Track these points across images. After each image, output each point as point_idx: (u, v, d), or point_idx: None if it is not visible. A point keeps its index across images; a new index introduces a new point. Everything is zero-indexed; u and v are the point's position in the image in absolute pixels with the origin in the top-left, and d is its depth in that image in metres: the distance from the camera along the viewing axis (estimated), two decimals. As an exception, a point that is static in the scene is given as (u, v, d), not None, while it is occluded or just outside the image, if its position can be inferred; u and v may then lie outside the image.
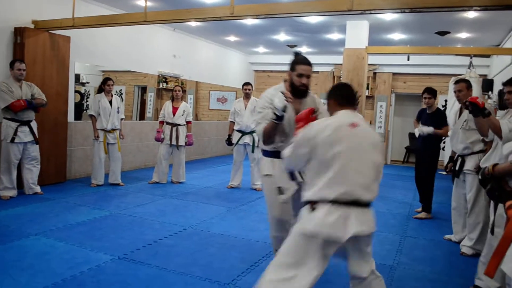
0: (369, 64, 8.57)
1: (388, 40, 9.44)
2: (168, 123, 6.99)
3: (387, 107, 11.74)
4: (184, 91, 13.07)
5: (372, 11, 4.63)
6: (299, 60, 3.26)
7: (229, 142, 7.03)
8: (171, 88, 10.71)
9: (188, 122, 7.13)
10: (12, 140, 5.42)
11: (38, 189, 5.84)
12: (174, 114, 6.98)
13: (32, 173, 5.76)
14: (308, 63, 3.21)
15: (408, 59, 8.83)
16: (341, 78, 11.77)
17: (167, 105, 7.08)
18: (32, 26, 6.18)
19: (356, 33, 7.98)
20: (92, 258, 3.62)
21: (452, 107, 8.87)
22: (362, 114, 7.40)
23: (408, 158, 12.08)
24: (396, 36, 8.96)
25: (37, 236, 4.13)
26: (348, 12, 4.46)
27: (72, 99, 7.00)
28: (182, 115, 7.05)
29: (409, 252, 4.30)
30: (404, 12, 4.43)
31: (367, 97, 11.12)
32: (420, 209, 5.92)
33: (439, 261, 4.11)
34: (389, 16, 7.35)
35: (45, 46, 6.22)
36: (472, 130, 4.17)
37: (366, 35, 7.99)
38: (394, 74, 11.68)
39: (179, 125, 7.00)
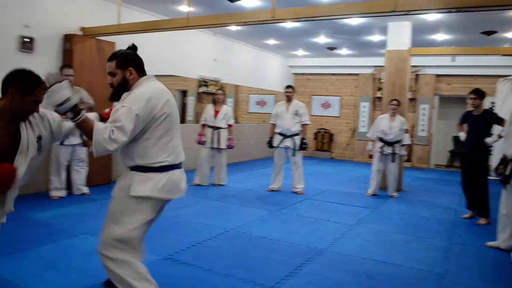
0: (411, 66, 8.38)
1: (431, 41, 9.21)
2: (209, 126, 7.08)
3: (430, 110, 11.44)
4: (224, 95, 13.26)
5: (417, 12, 4.54)
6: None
7: (270, 144, 7.03)
8: (211, 92, 10.84)
9: (229, 125, 7.19)
10: (62, 143, 5.63)
11: (86, 189, 6.04)
12: (215, 117, 7.06)
13: (80, 175, 5.97)
14: (110, 59, 2.62)
15: (454, 60, 8.57)
16: (382, 81, 11.60)
17: (209, 109, 7.17)
18: (80, 33, 6.41)
19: (398, 34, 7.83)
20: (138, 258, 3.70)
21: (502, 107, 8.58)
22: (405, 117, 7.24)
23: (453, 162, 11.71)
24: (440, 36, 8.73)
25: (85, 235, 4.27)
26: (391, 13, 4.37)
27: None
28: (224, 118, 7.11)
29: (457, 259, 4.16)
30: (450, 12, 4.32)
31: (410, 99, 10.86)
32: (467, 215, 5.74)
33: (488, 270, 3.96)
34: (432, 16, 7.17)
35: (92, 52, 6.44)
36: None
37: (408, 36, 7.82)
38: (437, 75, 11.37)
39: (221, 128, 7.07)
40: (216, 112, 7.11)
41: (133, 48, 2.76)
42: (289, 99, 6.90)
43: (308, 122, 6.91)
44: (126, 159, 2.55)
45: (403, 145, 6.99)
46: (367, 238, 4.66)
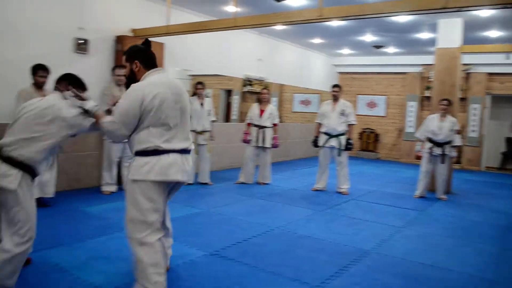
0: (462, 64, 8.10)
1: (483, 38, 8.87)
2: (255, 125, 7.14)
3: (482, 110, 11.01)
4: (269, 94, 13.30)
5: (469, 8, 4.38)
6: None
7: (315, 143, 7.00)
8: (255, 91, 10.92)
9: (274, 125, 7.21)
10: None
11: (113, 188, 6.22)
12: (261, 117, 7.11)
13: (130, 171, 6.16)
14: (123, 53, 2.93)
15: (508, 58, 8.22)
16: (430, 79, 11.28)
17: (254, 108, 7.23)
18: (131, 34, 6.63)
19: (449, 31, 7.59)
20: (186, 253, 3.80)
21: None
22: (455, 117, 7.01)
23: (505, 164, 11.23)
24: (493, 33, 8.39)
25: (135, 229, 4.42)
26: (442, 10, 4.25)
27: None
28: (269, 117, 7.15)
29: (510, 266, 4.00)
30: (506, 7, 4.15)
31: (460, 99, 10.50)
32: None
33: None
34: (485, 13, 6.90)
35: (143, 53, 6.64)
36: None
37: (459, 33, 7.56)
38: (489, 74, 10.94)
39: (266, 127, 7.11)
40: (262, 111, 7.15)
41: (146, 43, 2.92)
42: (335, 98, 6.84)
43: (354, 122, 6.82)
44: (130, 146, 2.82)
45: (453, 146, 6.77)
46: (414, 241, 4.56)
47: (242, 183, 7.25)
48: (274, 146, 7.22)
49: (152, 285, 2.67)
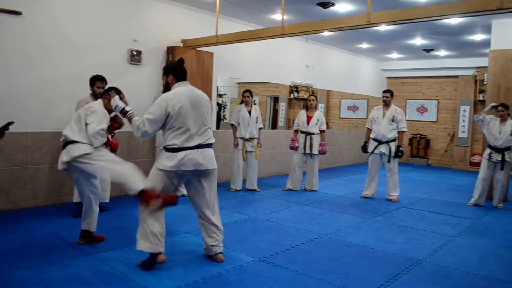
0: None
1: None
2: (302, 132, 7.15)
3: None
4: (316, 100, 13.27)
5: (526, 8, 4.20)
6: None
7: (364, 149, 6.92)
8: (302, 98, 10.94)
9: (322, 131, 7.20)
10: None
11: (185, 191, 6.40)
12: (308, 123, 7.12)
13: (180, 178, 6.36)
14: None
15: None
16: (485, 82, 10.85)
17: (302, 114, 7.25)
18: (181, 44, 6.85)
19: (504, 32, 7.29)
20: (235, 258, 3.87)
21: None
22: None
23: None
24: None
25: (186, 234, 4.56)
26: (497, 11, 4.10)
27: (214, 110, 7.56)
28: (316, 124, 7.14)
29: None
30: None
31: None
32: None
33: None
34: (544, 12, 6.58)
35: (192, 62, 6.84)
36: None
37: (515, 34, 7.25)
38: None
39: (313, 134, 7.10)
40: (309, 118, 7.16)
41: (180, 61, 3.76)
42: (386, 104, 6.74)
43: (405, 129, 6.67)
44: (160, 143, 3.63)
45: None
46: (469, 251, 4.41)
47: (290, 189, 7.27)
48: (322, 152, 7.20)
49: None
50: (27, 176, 5.36)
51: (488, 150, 6.52)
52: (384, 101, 6.75)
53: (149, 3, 6.48)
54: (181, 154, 3.47)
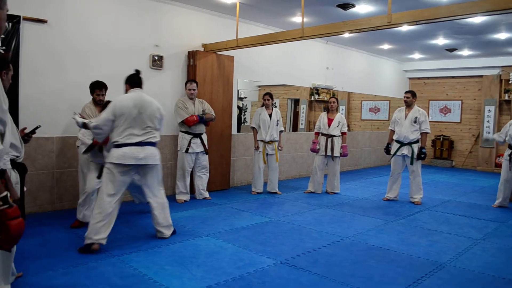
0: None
1: None
2: (323, 134, 7.13)
3: None
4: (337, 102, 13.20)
5: (553, 5, 4.10)
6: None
7: (387, 150, 6.85)
8: (323, 100, 10.90)
9: (343, 133, 7.16)
10: (187, 151, 6.11)
11: (207, 194, 6.47)
12: (329, 126, 7.09)
13: (202, 180, 6.42)
14: None
15: None
16: (510, 82, 10.63)
17: (323, 117, 7.22)
18: (201, 49, 6.92)
19: (530, 30, 7.13)
20: (257, 261, 3.89)
21: None
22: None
23: None
24: None
25: (208, 236, 4.59)
26: (521, 9, 4.04)
27: (235, 113, 7.61)
28: (337, 126, 7.11)
29: None
30: None
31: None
32: None
33: None
34: None
35: (213, 66, 6.90)
36: None
37: (542, 32, 7.09)
38: None
39: (334, 136, 7.07)
40: (330, 120, 7.13)
41: (136, 71, 4.42)
42: (408, 105, 6.66)
43: (428, 131, 6.55)
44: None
45: None
46: (495, 254, 4.33)
47: (311, 192, 7.25)
48: (343, 155, 7.16)
49: None
50: (53, 180, 5.49)
51: (508, 151, 6.40)
52: (405, 101, 6.68)
53: (170, 8, 6.56)
54: (123, 149, 4.06)
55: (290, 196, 6.95)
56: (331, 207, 6.25)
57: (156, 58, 6.38)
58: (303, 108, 11.20)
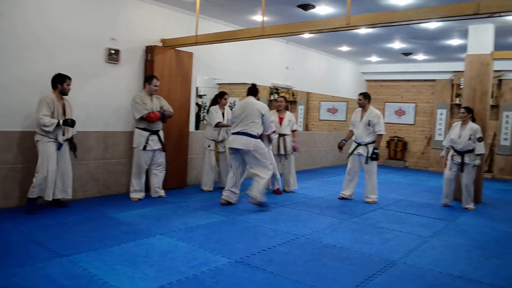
0: (494, 71, 7.90)
1: (516, 44, 8.66)
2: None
3: (515, 118, 10.71)
4: (294, 102, 13.31)
5: (502, 14, 4.28)
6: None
7: (340, 147, 6.97)
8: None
9: (293, 131, 7.30)
10: (144, 148, 5.97)
11: (162, 192, 6.35)
12: (280, 124, 7.16)
13: (158, 178, 6.29)
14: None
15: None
16: (461, 86, 11.05)
17: (273, 116, 7.24)
18: (160, 44, 6.78)
19: (480, 37, 7.43)
20: (211, 260, 3.84)
21: None
22: (486, 125, 6.86)
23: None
24: (527, 39, 8.18)
25: (162, 235, 4.50)
26: (474, 16, 4.19)
27: (193, 110, 7.52)
28: (288, 124, 7.24)
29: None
30: (539, 13, 4.05)
31: (492, 106, 10.24)
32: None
33: None
34: (518, 18, 6.74)
35: (172, 62, 6.78)
36: None
37: (491, 39, 7.39)
38: (523, 81, 10.63)
39: (286, 134, 7.16)
40: (281, 119, 7.21)
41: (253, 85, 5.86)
42: (361, 107, 6.79)
43: (381, 133, 6.64)
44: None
45: (477, 154, 6.58)
46: (443, 252, 4.48)
47: (266, 189, 7.25)
48: (295, 149, 7.26)
49: None
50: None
51: (451, 152, 6.69)
52: (358, 104, 6.81)
53: (128, 1, 6.39)
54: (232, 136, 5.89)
55: (246, 195, 6.91)
56: (287, 206, 6.28)
57: (113, 52, 6.20)
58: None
